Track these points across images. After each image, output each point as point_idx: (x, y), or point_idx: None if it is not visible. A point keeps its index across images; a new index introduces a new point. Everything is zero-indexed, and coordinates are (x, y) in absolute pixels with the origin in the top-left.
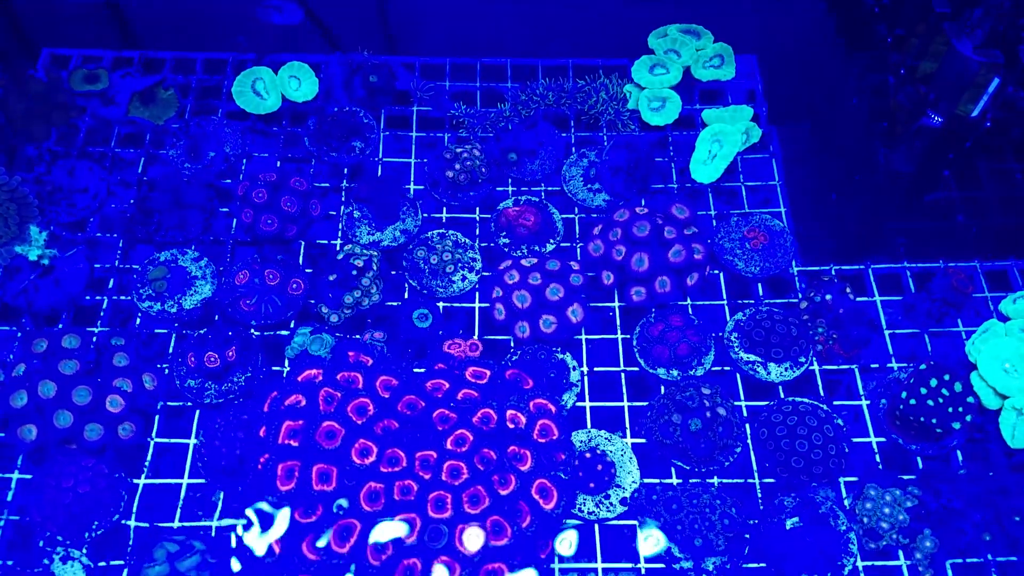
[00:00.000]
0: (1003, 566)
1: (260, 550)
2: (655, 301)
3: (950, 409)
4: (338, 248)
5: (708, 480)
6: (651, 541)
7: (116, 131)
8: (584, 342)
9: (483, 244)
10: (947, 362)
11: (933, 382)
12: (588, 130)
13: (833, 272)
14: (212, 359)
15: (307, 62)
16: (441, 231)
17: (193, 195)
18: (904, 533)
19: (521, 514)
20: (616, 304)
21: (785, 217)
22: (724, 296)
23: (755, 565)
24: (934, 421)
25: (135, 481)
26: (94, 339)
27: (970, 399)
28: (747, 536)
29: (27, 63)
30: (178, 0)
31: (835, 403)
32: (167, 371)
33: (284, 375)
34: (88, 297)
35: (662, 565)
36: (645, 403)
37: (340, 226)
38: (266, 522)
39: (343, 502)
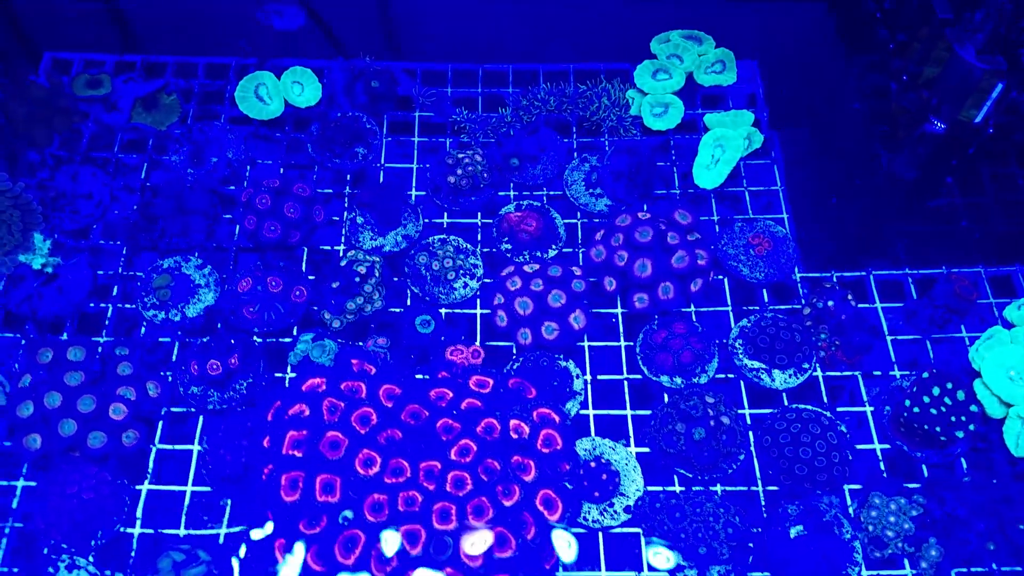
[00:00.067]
0: None
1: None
2: (658, 307)
3: (953, 418)
4: (341, 254)
5: (712, 488)
6: (660, 559)
7: (119, 137)
8: (587, 349)
9: (485, 250)
10: (950, 369)
11: (936, 390)
12: (590, 135)
13: (834, 278)
14: (215, 367)
15: (309, 67)
16: (443, 237)
17: (196, 201)
18: (909, 542)
19: (526, 525)
20: (619, 310)
21: (788, 223)
22: (728, 302)
23: (759, 574)
24: (938, 429)
25: (138, 488)
26: (99, 349)
27: (974, 407)
28: (751, 544)
29: (29, 67)
30: (180, 4)
31: (838, 410)
32: (170, 378)
33: (287, 382)
34: (92, 305)
35: (666, 573)
36: (648, 411)
37: (343, 232)
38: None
39: (348, 513)
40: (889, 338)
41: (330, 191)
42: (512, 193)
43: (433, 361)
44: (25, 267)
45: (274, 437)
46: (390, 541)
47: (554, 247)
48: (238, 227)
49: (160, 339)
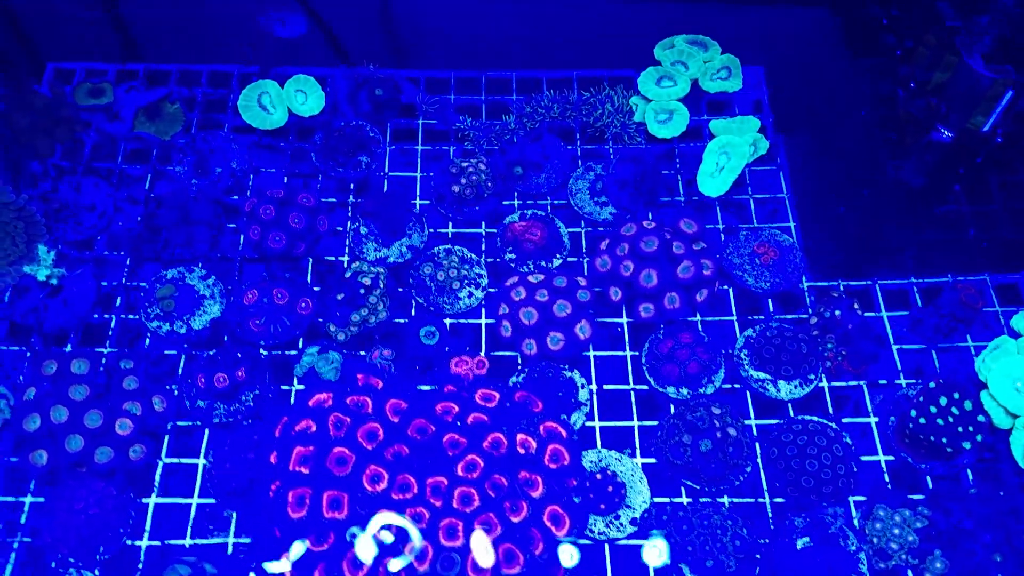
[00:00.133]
0: None
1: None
2: (664, 317)
3: (960, 428)
4: (345, 265)
5: (719, 499)
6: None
7: (122, 147)
8: (592, 359)
9: (489, 260)
10: (956, 378)
11: (943, 400)
12: (594, 143)
13: (841, 287)
14: (221, 380)
15: (312, 75)
16: (447, 247)
17: (200, 211)
18: (914, 554)
19: (533, 541)
20: (624, 320)
21: (794, 231)
22: (734, 312)
23: None
24: (944, 440)
25: (145, 501)
26: (103, 360)
27: (980, 418)
28: (758, 556)
29: (31, 77)
30: (182, 12)
31: (844, 420)
32: (176, 392)
33: (293, 395)
34: (96, 316)
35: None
36: (655, 422)
37: (347, 242)
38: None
39: (356, 530)
40: (895, 347)
41: (334, 200)
42: (516, 202)
43: (438, 372)
44: (30, 278)
45: (281, 453)
46: (397, 559)
47: (559, 256)
48: (242, 237)
49: (166, 351)
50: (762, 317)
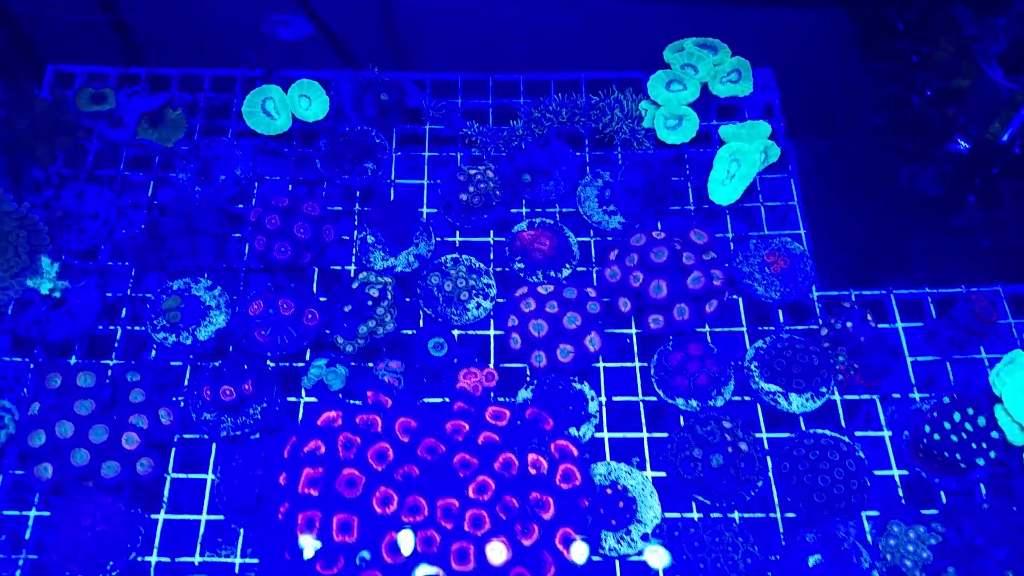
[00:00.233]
0: None
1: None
2: (673, 328)
3: (974, 445)
4: (352, 275)
5: (729, 515)
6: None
7: (124, 153)
8: (602, 370)
9: (498, 269)
10: (970, 391)
11: (957, 416)
12: (602, 148)
13: (853, 298)
14: (228, 392)
15: (316, 78)
16: (455, 256)
17: (205, 221)
18: (928, 571)
19: (545, 564)
20: (633, 331)
21: (805, 239)
22: (743, 322)
23: None
24: (958, 456)
25: (153, 517)
26: (109, 372)
27: (994, 434)
28: (769, 574)
29: (32, 81)
30: (184, 15)
31: (856, 434)
32: (182, 404)
33: (301, 408)
34: (101, 328)
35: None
36: (664, 434)
37: (354, 251)
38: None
39: (365, 554)
40: (909, 359)
41: (339, 208)
42: (524, 210)
43: (446, 384)
44: (33, 291)
45: (290, 474)
46: None
47: (568, 266)
48: (247, 246)
49: (172, 363)
50: (772, 328)
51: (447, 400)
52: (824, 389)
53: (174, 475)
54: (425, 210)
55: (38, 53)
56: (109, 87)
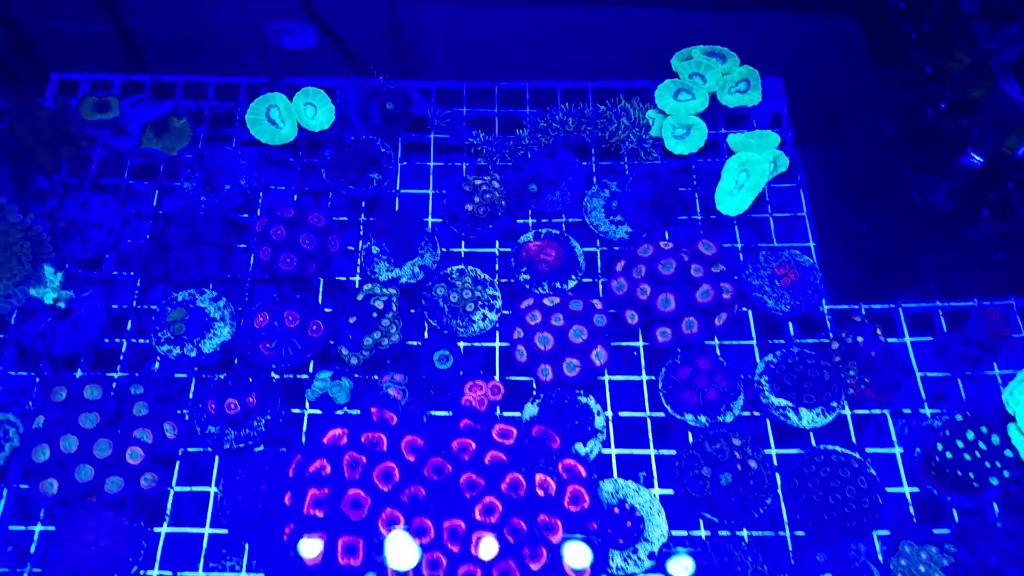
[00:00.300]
0: None
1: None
2: (681, 342)
3: (987, 464)
4: (357, 286)
5: (738, 533)
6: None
7: (129, 162)
8: (608, 383)
9: (503, 280)
10: (983, 409)
11: (970, 435)
12: (609, 158)
13: (863, 311)
14: (232, 406)
15: (321, 86)
16: (460, 267)
17: (210, 231)
18: None
19: None
20: (640, 343)
21: (814, 251)
22: (753, 335)
23: None
24: (971, 475)
25: (156, 530)
26: (113, 385)
27: (1008, 452)
28: None
29: (35, 90)
30: (188, 22)
31: (867, 450)
32: (187, 417)
33: (305, 421)
34: (107, 340)
35: None
36: (672, 451)
37: (359, 262)
38: None
39: None
40: (919, 374)
41: (345, 219)
42: (530, 221)
43: (452, 397)
44: (37, 301)
45: (295, 495)
46: None
47: (574, 277)
48: (252, 257)
49: (176, 375)
50: (782, 341)
51: (452, 414)
52: (835, 404)
53: (177, 488)
54: (430, 220)
55: (42, 61)
56: (113, 95)
